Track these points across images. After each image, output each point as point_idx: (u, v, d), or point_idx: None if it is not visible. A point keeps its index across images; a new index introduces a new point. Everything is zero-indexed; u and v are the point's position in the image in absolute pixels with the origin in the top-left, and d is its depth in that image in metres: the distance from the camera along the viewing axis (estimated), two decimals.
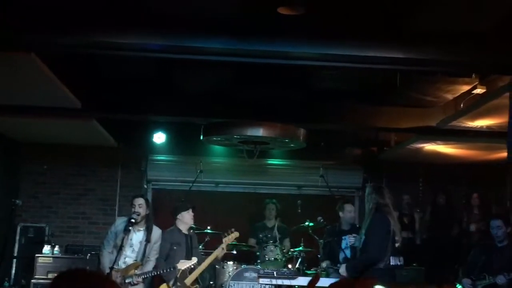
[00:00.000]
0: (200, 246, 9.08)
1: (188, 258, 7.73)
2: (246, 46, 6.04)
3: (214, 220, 9.78)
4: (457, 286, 7.87)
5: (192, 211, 8.05)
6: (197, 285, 7.86)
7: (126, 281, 7.15)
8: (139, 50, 6.21)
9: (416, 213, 11.44)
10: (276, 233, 9.98)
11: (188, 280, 7.65)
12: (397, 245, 6.82)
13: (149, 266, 7.41)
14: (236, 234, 8.22)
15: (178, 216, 7.99)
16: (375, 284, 3.00)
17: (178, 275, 7.61)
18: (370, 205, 6.89)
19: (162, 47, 6.13)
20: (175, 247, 7.81)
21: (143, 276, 7.28)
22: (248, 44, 6.03)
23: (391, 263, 6.70)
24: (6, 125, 10.13)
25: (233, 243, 8.78)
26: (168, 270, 7.50)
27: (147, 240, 7.35)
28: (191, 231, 8.27)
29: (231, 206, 11.73)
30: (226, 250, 8.18)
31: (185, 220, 7.99)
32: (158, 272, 7.44)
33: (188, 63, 7.39)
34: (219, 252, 7.92)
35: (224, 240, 8.06)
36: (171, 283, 7.65)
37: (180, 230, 7.98)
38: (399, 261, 6.85)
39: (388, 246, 6.71)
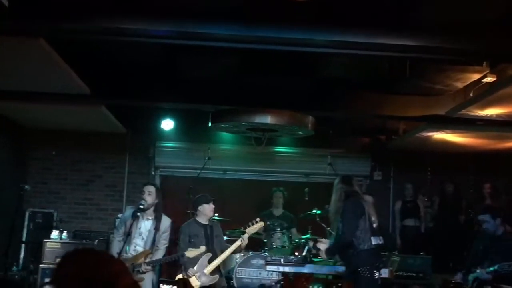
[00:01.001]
0: None
1: (208, 248, 7.76)
2: (254, 33, 6.01)
3: (221, 207, 9.78)
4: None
5: (213, 204, 8.09)
6: (217, 275, 7.89)
7: (135, 269, 7.17)
8: (147, 36, 6.20)
9: (420, 201, 11.44)
10: (283, 223, 10.02)
11: (208, 270, 7.73)
12: (374, 225, 7.01)
13: (159, 255, 7.44)
14: (261, 224, 8.25)
15: (199, 208, 8.03)
16: None
17: (185, 265, 7.69)
18: (339, 195, 7.04)
19: (170, 33, 6.11)
20: (192, 239, 7.86)
21: (152, 265, 7.31)
22: (257, 31, 6.00)
23: (373, 243, 6.87)
24: (14, 111, 10.15)
25: (239, 230, 8.80)
26: (176, 258, 7.54)
27: (156, 228, 7.37)
28: (214, 220, 8.31)
29: (239, 193, 11.75)
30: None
31: (206, 212, 8.03)
32: (166, 260, 7.47)
33: (196, 50, 7.37)
34: (241, 242, 7.94)
35: (247, 230, 8.08)
36: (189, 271, 7.70)
37: (198, 222, 8.02)
38: (380, 240, 7.06)
39: (365, 228, 6.88)
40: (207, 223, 8.04)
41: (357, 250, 6.82)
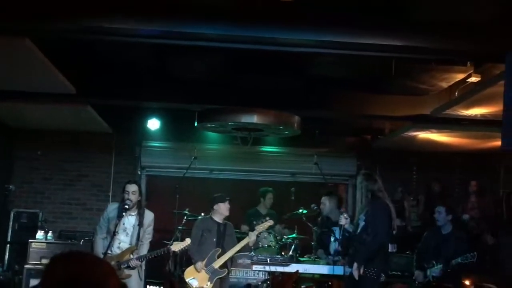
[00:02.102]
0: (179, 227, 9.36)
1: (219, 244, 8.16)
2: (241, 32, 6.02)
3: (208, 206, 9.78)
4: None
5: (228, 203, 8.35)
6: (226, 269, 8.17)
7: (122, 266, 7.16)
8: (134, 36, 6.18)
9: (407, 201, 11.48)
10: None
11: (216, 264, 8.04)
12: (394, 232, 6.93)
13: (144, 250, 7.45)
14: (270, 223, 8.61)
15: (214, 207, 8.32)
16: None
17: (194, 258, 8.06)
18: (364, 193, 6.94)
19: (157, 33, 6.10)
20: (205, 234, 8.19)
21: (140, 260, 7.31)
22: (244, 30, 6.00)
23: (389, 250, 6.84)
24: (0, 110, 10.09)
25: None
26: (162, 252, 7.60)
27: (140, 224, 7.38)
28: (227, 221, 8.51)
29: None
30: None
31: (221, 210, 8.31)
32: (153, 256, 7.50)
33: (183, 49, 7.37)
34: (249, 239, 8.24)
35: (256, 227, 8.42)
36: (197, 265, 8.01)
37: (213, 219, 8.32)
38: (394, 248, 7.01)
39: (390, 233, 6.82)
40: (221, 221, 8.33)
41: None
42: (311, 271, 8.55)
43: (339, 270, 7.68)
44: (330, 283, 8.40)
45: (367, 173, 7.34)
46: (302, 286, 8.22)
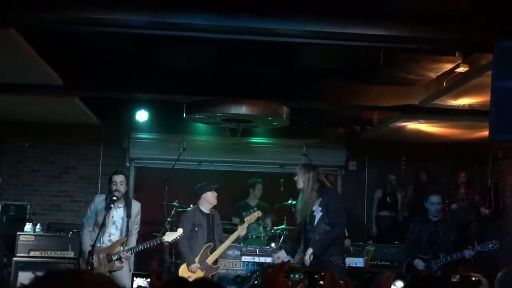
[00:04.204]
0: (168, 219, 9.20)
1: (209, 237, 7.99)
2: (229, 23, 5.98)
3: (194, 198, 9.78)
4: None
5: (215, 191, 8.18)
6: (219, 265, 8.12)
7: (113, 258, 7.18)
8: (121, 26, 6.12)
9: (399, 192, 11.52)
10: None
11: (210, 260, 7.91)
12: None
13: (133, 240, 7.46)
14: (258, 213, 8.49)
15: (203, 196, 8.12)
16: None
17: (187, 257, 7.90)
18: (312, 183, 6.99)
19: (145, 23, 6.05)
20: (196, 229, 7.98)
21: (130, 252, 7.32)
22: (232, 21, 5.97)
23: (347, 234, 7.02)
24: None
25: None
26: (155, 243, 7.58)
27: (128, 215, 7.38)
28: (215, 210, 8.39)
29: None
30: None
31: (209, 199, 8.12)
32: (145, 247, 7.49)
33: (171, 40, 7.33)
34: (240, 231, 8.14)
35: (246, 219, 8.26)
36: (192, 266, 7.84)
37: (201, 211, 8.11)
38: (346, 232, 7.18)
39: None
40: (209, 212, 8.14)
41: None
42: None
43: None
44: (322, 273, 8.42)
45: (312, 165, 7.48)
46: (295, 276, 8.22)
